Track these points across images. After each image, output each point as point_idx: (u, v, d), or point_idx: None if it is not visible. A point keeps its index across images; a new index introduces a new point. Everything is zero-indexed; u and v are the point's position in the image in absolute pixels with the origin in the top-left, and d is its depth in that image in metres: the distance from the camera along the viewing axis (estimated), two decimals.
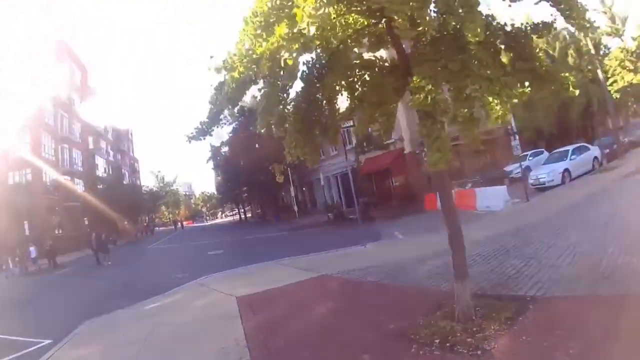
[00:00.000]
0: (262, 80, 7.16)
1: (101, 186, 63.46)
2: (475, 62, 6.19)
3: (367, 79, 8.07)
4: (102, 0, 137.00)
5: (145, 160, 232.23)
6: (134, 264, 28.61)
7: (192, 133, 7.93)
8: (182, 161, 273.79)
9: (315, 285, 12.78)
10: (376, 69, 7.99)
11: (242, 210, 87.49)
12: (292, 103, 8.08)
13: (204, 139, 8.09)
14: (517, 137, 23.51)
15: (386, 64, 7.97)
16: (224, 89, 7.13)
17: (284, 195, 68.05)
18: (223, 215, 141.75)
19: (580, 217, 14.34)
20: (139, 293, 15.88)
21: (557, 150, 30.27)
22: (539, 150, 40.38)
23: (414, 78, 6.12)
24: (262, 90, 7.34)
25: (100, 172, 68.68)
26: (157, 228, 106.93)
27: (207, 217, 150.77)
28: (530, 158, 37.41)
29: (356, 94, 8.18)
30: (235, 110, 61.64)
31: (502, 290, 8.44)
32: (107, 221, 61.82)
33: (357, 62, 8.16)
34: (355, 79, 8.20)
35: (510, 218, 18.35)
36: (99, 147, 73.10)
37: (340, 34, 7.13)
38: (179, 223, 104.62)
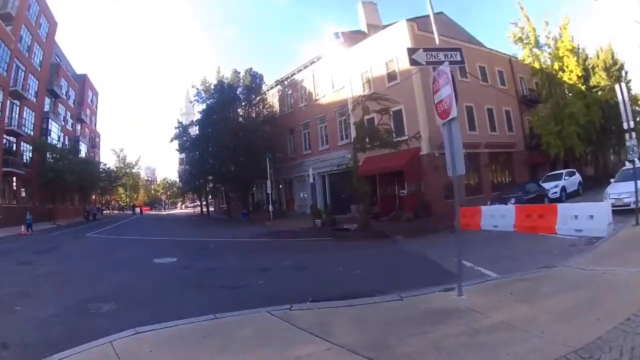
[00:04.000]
0: None
1: (52, 155, 53.51)
2: None
3: None
4: None
5: (108, 137, 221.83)
6: (36, 269, 16.04)
7: None
8: (148, 144, 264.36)
9: None
10: None
11: (205, 202, 78.23)
12: None
13: None
14: (633, 134, 15.70)
15: None
16: None
17: (255, 192, 59.34)
18: (183, 205, 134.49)
19: None
20: None
21: (627, 167, 23.56)
22: (571, 170, 34.45)
23: None
24: None
25: (53, 139, 58.24)
26: (110, 211, 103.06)
27: (166, 206, 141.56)
28: (566, 178, 31.77)
29: None
30: (213, 85, 54.11)
31: None
32: (52, 196, 54.50)
33: None
34: None
35: None
36: (57, 112, 63.16)
37: None
38: (139, 208, 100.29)
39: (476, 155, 35.76)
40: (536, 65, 38.37)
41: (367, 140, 31.97)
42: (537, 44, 38.34)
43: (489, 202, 25.85)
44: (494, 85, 38.47)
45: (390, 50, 34.22)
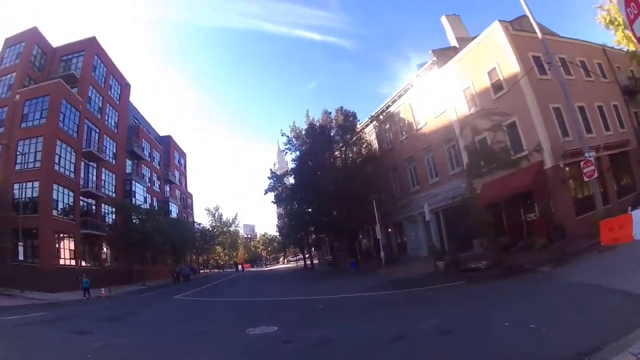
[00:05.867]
0: None
1: (136, 216, 54.90)
2: None
3: None
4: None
5: (202, 197, 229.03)
6: (91, 343, 13.03)
7: None
8: (245, 202, 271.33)
9: None
10: None
11: (308, 255, 76.15)
12: None
13: None
14: None
15: None
16: None
17: (361, 239, 57.05)
18: (285, 260, 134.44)
19: None
20: None
21: None
22: None
23: None
24: None
25: (138, 201, 60.03)
26: (209, 270, 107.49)
27: (267, 262, 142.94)
28: None
29: None
30: (304, 129, 52.58)
31: None
32: (140, 257, 55.72)
33: None
34: None
35: None
36: (140, 173, 65.93)
37: None
38: (240, 265, 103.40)
39: (597, 160, 32.13)
40: (632, 47, 34.54)
41: (482, 163, 29.24)
42: (626, 24, 34.43)
43: (629, 209, 22.00)
44: (598, 80, 35.08)
45: (489, 58, 31.71)
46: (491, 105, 31.16)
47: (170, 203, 76.50)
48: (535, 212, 29.63)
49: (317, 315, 17.29)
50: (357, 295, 22.39)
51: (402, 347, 9.83)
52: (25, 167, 41.76)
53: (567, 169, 28.34)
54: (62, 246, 42.93)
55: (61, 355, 11.58)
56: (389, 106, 46.94)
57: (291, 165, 56.91)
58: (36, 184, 41.20)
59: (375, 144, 51.82)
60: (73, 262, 43.57)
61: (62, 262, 42.08)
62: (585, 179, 23.85)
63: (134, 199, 58.01)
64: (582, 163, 23.68)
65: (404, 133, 44.86)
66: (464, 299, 16.22)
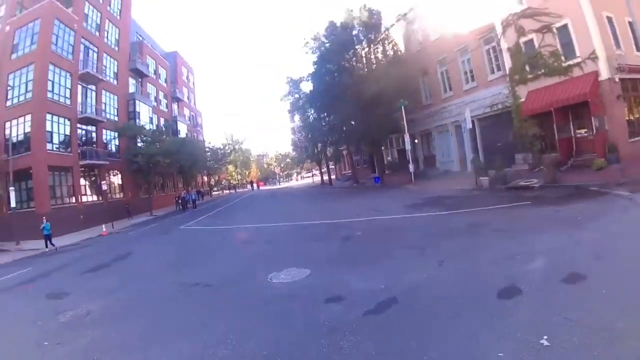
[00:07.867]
0: None
1: (141, 138, 51.38)
2: None
3: None
4: None
5: (213, 116, 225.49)
6: (57, 314, 10.59)
7: None
8: (258, 123, 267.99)
9: None
10: None
11: (325, 170, 73.92)
12: None
13: None
14: None
15: None
16: None
17: (384, 152, 54.90)
18: (299, 177, 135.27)
19: None
20: None
21: None
22: None
23: None
24: None
25: (143, 122, 56.58)
26: (221, 191, 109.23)
27: (280, 179, 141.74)
28: None
29: None
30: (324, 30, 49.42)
31: None
32: (147, 185, 53.55)
33: None
34: None
35: None
36: (145, 92, 62.64)
37: None
38: (255, 184, 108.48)
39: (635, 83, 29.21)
40: None
41: (527, 68, 27.26)
42: None
43: None
44: None
45: None
46: (540, 4, 28.57)
47: (178, 122, 74.63)
48: (591, 128, 27.50)
49: (359, 248, 14.27)
50: (398, 217, 19.72)
51: (523, 306, 6.94)
52: (17, 101, 39.26)
53: (620, 84, 26.30)
54: (58, 183, 40.57)
55: (15, 345, 8.96)
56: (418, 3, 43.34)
57: (311, 70, 52.66)
58: (28, 117, 38.53)
59: (402, 47, 47.87)
60: (73, 200, 41.56)
61: (59, 201, 39.77)
62: None
63: (138, 121, 54.94)
64: None
65: (436, 33, 41.35)
66: (552, 225, 12.80)
